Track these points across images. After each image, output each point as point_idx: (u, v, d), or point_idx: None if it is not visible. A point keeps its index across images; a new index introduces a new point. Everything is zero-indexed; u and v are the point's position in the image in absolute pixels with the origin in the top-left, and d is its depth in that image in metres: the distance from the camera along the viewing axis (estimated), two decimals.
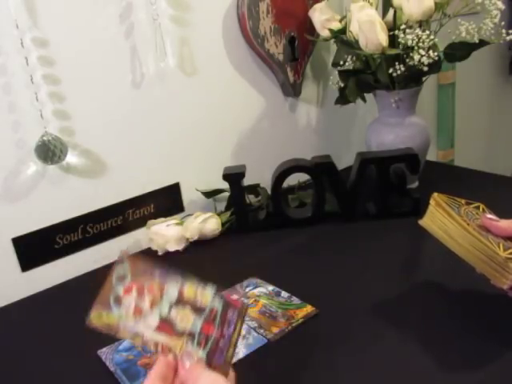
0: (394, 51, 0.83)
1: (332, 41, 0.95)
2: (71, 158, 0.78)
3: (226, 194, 0.90)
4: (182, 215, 0.91)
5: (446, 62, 0.87)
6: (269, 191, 0.89)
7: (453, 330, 0.57)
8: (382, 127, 0.94)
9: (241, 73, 0.96)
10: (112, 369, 0.56)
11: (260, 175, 0.93)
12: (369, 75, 0.90)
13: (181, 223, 0.85)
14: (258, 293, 0.67)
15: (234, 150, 0.98)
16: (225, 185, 0.86)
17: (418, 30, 0.80)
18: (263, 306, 0.64)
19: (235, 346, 0.44)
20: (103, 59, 0.79)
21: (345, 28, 0.89)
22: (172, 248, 0.82)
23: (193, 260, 0.79)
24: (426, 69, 0.81)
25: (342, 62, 0.91)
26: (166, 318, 0.45)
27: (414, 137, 0.91)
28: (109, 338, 0.60)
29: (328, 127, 1.13)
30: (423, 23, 0.83)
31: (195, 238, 0.83)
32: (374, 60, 0.88)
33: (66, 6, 0.74)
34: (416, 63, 0.81)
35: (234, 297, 0.66)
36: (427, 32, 0.79)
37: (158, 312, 0.45)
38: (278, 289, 0.68)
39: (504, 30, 0.83)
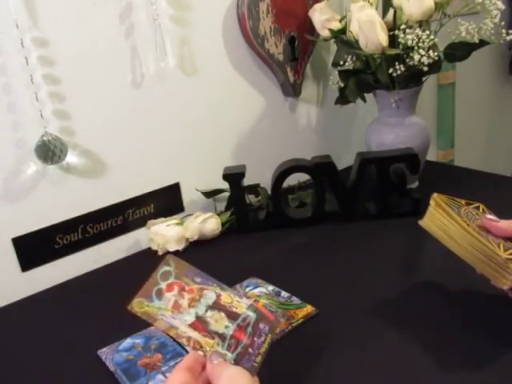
0: (393, 51, 0.83)
1: (332, 41, 0.95)
2: (71, 158, 0.78)
3: (226, 194, 0.90)
4: (182, 215, 0.91)
5: (446, 61, 0.87)
6: (269, 191, 0.89)
7: (453, 330, 0.57)
8: (382, 127, 0.94)
9: (241, 73, 0.96)
10: (112, 369, 0.56)
11: (260, 175, 0.93)
12: (369, 75, 0.90)
13: (181, 223, 0.85)
14: (258, 293, 0.67)
15: (233, 149, 0.98)
16: (225, 185, 0.86)
17: (417, 30, 0.80)
18: (263, 306, 0.64)
19: (263, 356, 0.46)
20: (103, 59, 0.79)
21: (345, 28, 0.89)
22: (172, 248, 0.82)
23: (193, 260, 0.78)
24: (425, 69, 0.81)
25: (341, 62, 0.91)
26: (201, 317, 0.47)
27: (413, 137, 0.91)
28: (109, 338, 0.61)
29: (328, 127, 1.13)
30: (423, 23, 0.83)
31: (195, 237, 0.83)
32: (374, 60, 0.88)
33: (66, 6, 0.74)
34: (416, 63, 0.81)
35: None
36: (427, 32, 0.79)
37: (195, 311, 0.48)
38: (278, 289, 0.68)
39: (504, 30, 0.83)
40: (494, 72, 1.58)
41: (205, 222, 0.84)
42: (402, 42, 0.81)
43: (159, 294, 0.49)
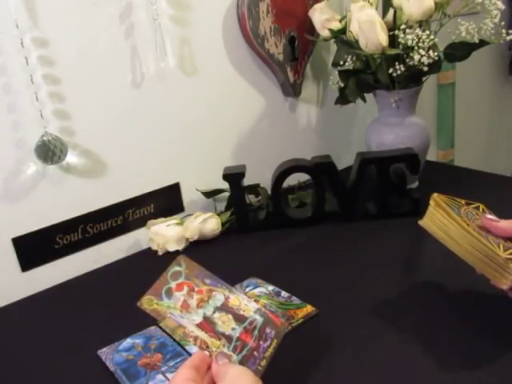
0: (393, 51, 0.83)
1: (332, 41, 0.95)
2: (71, 158, 0.78)
3: (226, 194, 0.90)
4: (182, 215, 0.91)
5: (446, 61, 0.87)
6: (269, 191, 0.89)
7: (453, 330, 0.57)
8: (382, 127, 0.94)
9: (241, 73, 0.96)
10: (112, 369, 0.56)
11: (260, 175, 0.93)
12: (369, 75, 0.90)
13: (181, 223, 0.85)
14: (258, 293, 0.67)
15: (233, 149, 0.98)
16: (225, 185, 0.86)
17: (418, 30, 0.80)
18: (263, 305, 0.64)
19: (268, 360, 0.47)
20: (103, 59, 0.79)
21: (345, 28, 0.89)
22: (172, 248, 0.82)
23: (193, 260, 0.79)
24: (425, 69, 0.81)
25: (342, 62, 0.91)
26: (208, 317, 0.48)
27: (413, 137, 0.91)
28: (109, 338, 0.61)
29: (328, 127, 1.13)
30: (423, 23, 0.83)
31: (195, 237, 0.83)
32: (374, 60, 0.88)
33: (66, 6, 0.74)
34: (416, 63, 0.81)
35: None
36: (427, 32, 0.79)
37: (203, 311, 0.48)
38: (278, 289, 0.68)
39: (504, 30, 0.83)
40: (493, 72, 1.58)
41: (205, 222, 0.84)
42: (402, 41, 0.81)
43: (169, 292, 0.50)
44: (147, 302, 0.50)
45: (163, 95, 0.86)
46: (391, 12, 0.88)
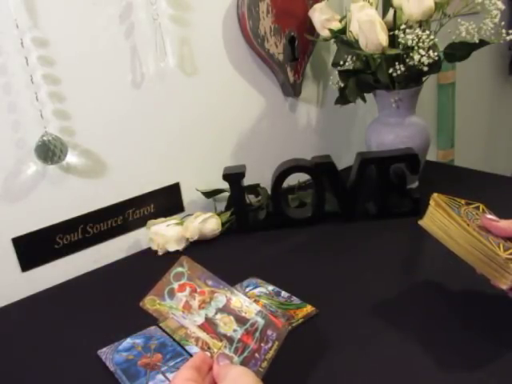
0: (394, 51, 0.83)
1: (332, 41, 0.95)
2: (71, 158, 0.78)
3: (226, 194, 0.90)
4: (182, 215, 0.91)
5: (446, 61, 0.87)
6: (269, 191, 0.89)
7: (453, 330, 0.57)
8: (382, 127, 0.94)
9: (241, 73, 0.96)
10: (112, 369, 0.56)
11: (260, 175, 0.93)
12: (369, 75, 0.90)
13: (181, 223, 0.85)
14: (258, 293, 0.67)
15: (233, 150, 0.98)
16: (225, 185, 0.86)
17: (418, 30, 0.80)
18: (263, 306, 0.64)
19: (269, 362, 0.47)
20: (103, 59, 0.79)
21: (345, 28, 0.89)
22: (172, 248, 0.82)
23: (193, 260, 0.79)
24: (426, 69, 0.81)
25: (341, 62, 0.91)
26: (210, 319, 0.48)
27: (413, 137, 0.91)
28: (109, 338, 0.61)
29: (328, 127, 1.13)
30: (423, 23, 0.83)
31: (195, 238, 0.83)
32: (374, 60, 0.88)
33: (66, 6, 0.74)
34: (416, 63, 0.81)
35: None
36: (427, 32, 0.79)
37: (205, 313, 0.49)
38: (278, 289, 0.68)
39: (504, 30, 0.83)
40: (493, 72, 1.58)
41: (205, 222, 0.84)
42: (402, 41, 0.81)
43: (171, 293, 0.50)
44: (150, 303, 0.50)
45: (163, 95, 0.86)
46: (391, 12, 0.88)
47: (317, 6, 0.93)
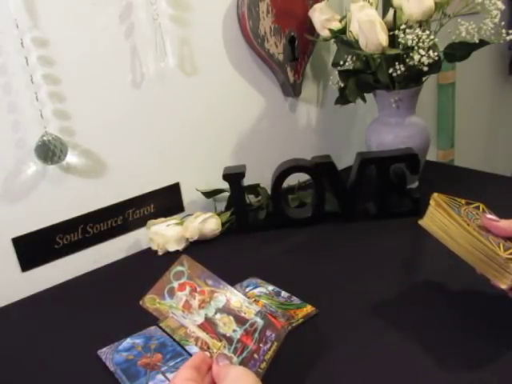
0: (393, 51, 0.83)
1: (332, 41, 0.95)
2: (71, 158, 0.78)
3: (226, 194, 0.90)
4: (182, 215, 0.91)
5: (446, 61, 0.87)
6: (269, 191, 0.89)
7: (453, 330, 0.57)
8: (382, 127, 0.94)
9: (241, 73, 0.96)
10: (112, 369, 0.56)
11: (260, 175, 0.93)
12: (369, 75, 0.90)
13: (181, 223, 0.85)
14: (258, 293, 0.67)
15: (233, 150, 0.98)
16: (225, 185, 0.86)
17: (418, 30, 0.80)
18: (263, 305, 0.64)
19: (268, 363, 0.47)
20: (103, 59, 0.79)
21: (345, 28, 0.89)
22: (172, 248, 0.82)
23: (193, 260, 0.79)
24: (426, 69, 0.81)
25: (341, 62, 0.91)
26: (210, 318, 0.48)
27: (413, 137, 0.91)
28: (109, 338, 0.61)
29: (328, 127, 1.13)
30: (423, 23, 0.83)
31: (195, 238, 0.83)
32: (374, 60, 0.88)
33: (66, 6, 0.74)
34: (416, 63, 0.81)
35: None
36: (427, 32, 0.79)
37: (204, 312, 0.49)
38: (278, 289, 0.68)
39: (504, 30, 0.83)
40: (493, 72, 1.58)
41: (205, 222, 0.84)
42: (402, 41, 0.81)
43: (171, 292, 0.50)
44: (149, 301, 0.50)
45: (163, 95, 0.86)
46: (391, 12, 0.88)
47: (317, 6, 0.93)
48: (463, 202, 0.60)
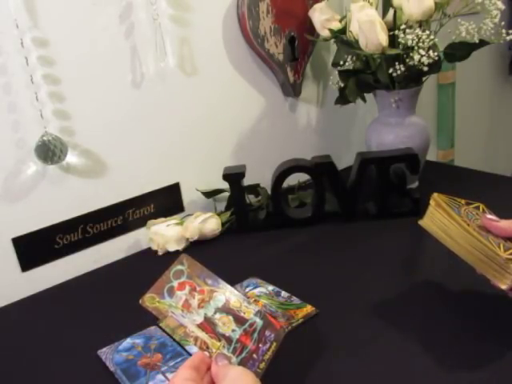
0: (394, 51, 0.83)
1: (332, 41, 0.95)
2: (71, 158, 0.78)
3: (226, 194, 0.90)
4: (182, 215, 0.91)
5: (446, 61, 0.87)
6: (269, 191, 0.89)
7: (453, 330, 0.57)
8: (382, 127, 0.94)
9: (241, 73, 0.96)
10: (112, 369, 0.56)
11: (260, 175, 0.93)
12: (369, 75, 0.90)
13: (181, 223, 0.85)
14: (258, 293, 0.67)
15: (233, 150, 0.98)
16: (225, 185, 0.86)
17: (418, 30, 0.80)
18: (263, 306, 0.64)
19: (267, 363, 0.47)
20: (103, 59, 0.79)
21: (345, 28, 0.89)
22: (172, 248, 0.82)
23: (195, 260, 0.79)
24: (426, 69, 0.81)
25: (341, 62, 0.91)
26: (209, 318, 0.48)
27: (413, 137, 0.91)
28: (109, 338, 0.61)
29: (328, 127, 1.13)
30: (423, 23, 0.83)
31: (195, 238, 0.83)
32: (374, 60, 0.88)
33: (66, 6, 0.74)
34: (416, 63, 0.81)
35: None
36: (427, 32, 0.79)
37: (204, 312, 0.49)
38: (278, 289, 0.68)
39: (504, 30, 0.83)
40: (493, 72, 1.58)
41: (205, 222, 0.84)
42: (402, 41, 0.81)
43: (171, 291, 0.50)
44: (149, 300, 0.50)
45: (163, 95, 0.86)
46: (391, 12, 0.88)
47: (317, 6, 0.93)
48: (463, 202, 0.60)
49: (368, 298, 0.65)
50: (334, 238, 0.83)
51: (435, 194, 0.59)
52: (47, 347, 0.64)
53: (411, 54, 0.81)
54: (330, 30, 0.92)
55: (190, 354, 0.56)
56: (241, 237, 0.86)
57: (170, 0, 0.83)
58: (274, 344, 0.48)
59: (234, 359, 0.46)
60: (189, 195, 0.93)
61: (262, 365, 0.46)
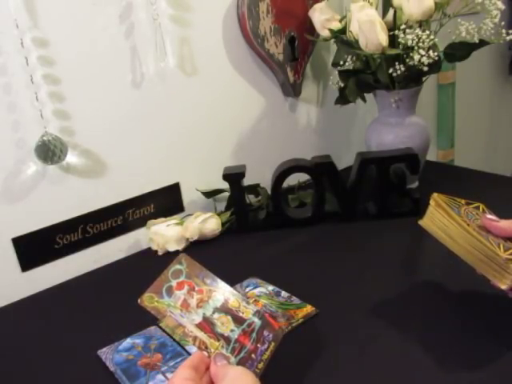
0: (394, 51, 0.83)
1: (332, 41, 0.95)
2: (71, 158, 0.78)
3: (226, 194, 0.90)
4: (182, 215, 0.91)
5: (446, 61, 0.87)
6: (269, 191, 0.89)
7: (453, 330, 0.57)
8: (382, 127, 0.94)
9: (241, 73, 0.96)
10: (112, 369, 0.56)
11: (260, 175, 0.93)
12: (369, 75, 0.90)
13: (181, 223, 0.85)
14: (258, 293, 0.67)
15: (233, 149, 0.98)
16: (225, 185, 0.86)
17: (418, 30, 0.80)
18: (263, 306, 0.64)
19: (265, 363, 0.47)
20: (103, 59, 0.79)
21: (345, 28, 0.89)
22: (172, 248, 0.82)
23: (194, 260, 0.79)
24: (426, 69, 0.81)
25: (341, 62, 0.91)
26: (208, 318, 0.48)
27: (413, 137, 0.91)
28: (109, 338, 0.61)
29: (328, 127, 1.13)
30: (423, 23, 0.83)
31: (195, 238, 0.83)
32: (374, 60, 0.88)
33: (66, 6, 0.74)
34: (416, 63, 0.81)
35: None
36: (427, 32, 0.79)
37: (203, 312, 0.49)
38: (278, 289, 0.68)
39: (504, 30, 0.83)
40: (493, 72, 1.58)
41: (205, 222, 0.84)
42: (402, 41, 0.81)
43: (169, 291, 0.50)
44: (148, 300, 0.50)
45: (163, 95, 0.86)
46: (391, 12, 0.88)
47: (317, 6, 0.93)
48: (463, 202, 0.60)
49: (368, 298, 0.65)
50: (334, 238, 0.83)
51: (435, 194, 0.59)
52: (47, 347, 0.64)
53: (411, 54, 0.81)
54: (330, 30, 0.92)
55: (190, 354, 0.56)
56: (241, 237, 0.86)
57: (169, 0, 0.83)
58: (273, 344, 0.48)
59: (232, 359, 0.46)
60: (189, 195, 0.93)
61: (261, 365, 0.46)
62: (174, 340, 0.59)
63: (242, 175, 0.85)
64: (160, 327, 0.62)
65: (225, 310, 0.49)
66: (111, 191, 0.84)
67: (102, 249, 0.84)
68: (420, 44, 0.79)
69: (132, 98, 0.83)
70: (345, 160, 1.09)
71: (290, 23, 0.95)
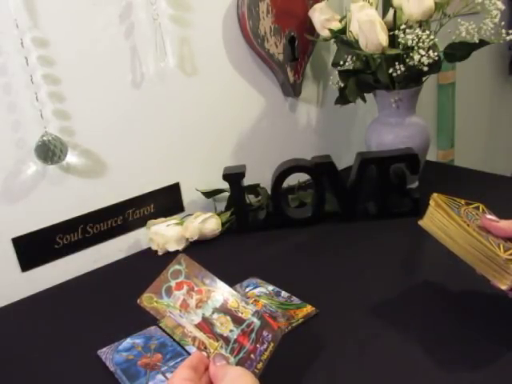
0: (394, 51, 0.83)
1: (332, 41, 0.95)
2: (71, 158, 0.78)
3: (226, 194, 0.90)
4: (182, 215, 0.91)
5: (446, 61, 0.87)
6: (269, 191, 0.89)
7: (453, 330, 0.57)
8: (382, 127, 0.94)
9: (241, 73, 0.96)
10: (112, 369, 0.56)
11: (260, 175, 0.93)
12: (369, 75, 0.90)
13: (181, 223, 0.85)
14: (258, 293, 0.67)
15: (233, 150, 0.98)
16: (225, 185, 0.86)
17: (418, 30, 0.80)
18: (263, 306, 0.64)
19: (264, 363, 0.47)
20: (103, 59, 0.79)
21: (345, 28, 0.89)
22: (172, 248, 0.82)
23: (193, 260, 0.79)
24: (426, 69, 0.81)
25: (341, 62, 0.91)
26: (207, 318, 0.48)
27: (413, 137, 0.91)
28: (109, 338, 0.61)
29: (328, 127, 1.13)
30: (423, 23, 0.83)
31: (195, 238, 0.83)
32: (374, 60, 0.88)
33: (66, 6, 0.74)
34: (416, 63, 0.81)
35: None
36: (427, 32, 0.79)
37: (202, 312, 0.49)
38: (278, 289, 0.68)
39: (504, 30, 0.83)
40: (493, 72, 1.58)
41: (205, 222, 0.84)
42: (402, 41, 0.81)
43: (169, 291, 0.50)
44: (147, 300, 0.50)
45: (163, 95, 0.86)
46: (391, 12, 0.88)
47: (317, 6, 0.93)
48: (463, 202, 0.60)
49: (368, 298, 0.65)
50: (334, 238, 0.83)
51: (435, 194, 0.59)
52: (47, 347, 0.64)
53: (411, 54, 0.81)
54: (330, 30, 0.92)
55: (189, 354, 0.56)
56: (241, 237, 0.86)
57: (169, 0, 0.83)
58: (272, 344, 0.48)
59: (231, 359, 0.46)
60: (189, 195, 0.93)
61: (260, 365, 0.46)
62: (174, 340, 0.59)
63: (242, 175, 0.85)
64: (160, 327, 0.62)
65: (224, 310, 0.49)
66: (111, 191, 0.84)
67: (102, 249, 0.84)
68: (420, 44, 0.79)
69: (132, 97, 0.83)
70: (345, 160, 1.09)
71: (290, 23, 0.95)
